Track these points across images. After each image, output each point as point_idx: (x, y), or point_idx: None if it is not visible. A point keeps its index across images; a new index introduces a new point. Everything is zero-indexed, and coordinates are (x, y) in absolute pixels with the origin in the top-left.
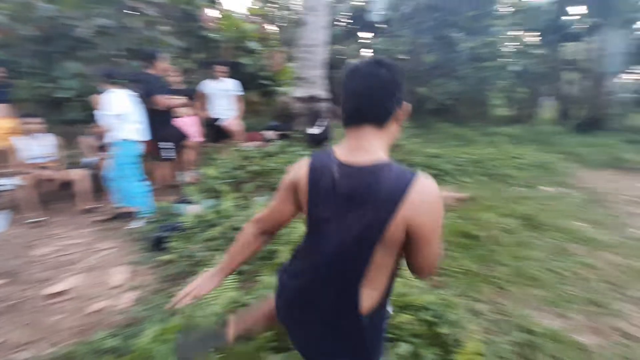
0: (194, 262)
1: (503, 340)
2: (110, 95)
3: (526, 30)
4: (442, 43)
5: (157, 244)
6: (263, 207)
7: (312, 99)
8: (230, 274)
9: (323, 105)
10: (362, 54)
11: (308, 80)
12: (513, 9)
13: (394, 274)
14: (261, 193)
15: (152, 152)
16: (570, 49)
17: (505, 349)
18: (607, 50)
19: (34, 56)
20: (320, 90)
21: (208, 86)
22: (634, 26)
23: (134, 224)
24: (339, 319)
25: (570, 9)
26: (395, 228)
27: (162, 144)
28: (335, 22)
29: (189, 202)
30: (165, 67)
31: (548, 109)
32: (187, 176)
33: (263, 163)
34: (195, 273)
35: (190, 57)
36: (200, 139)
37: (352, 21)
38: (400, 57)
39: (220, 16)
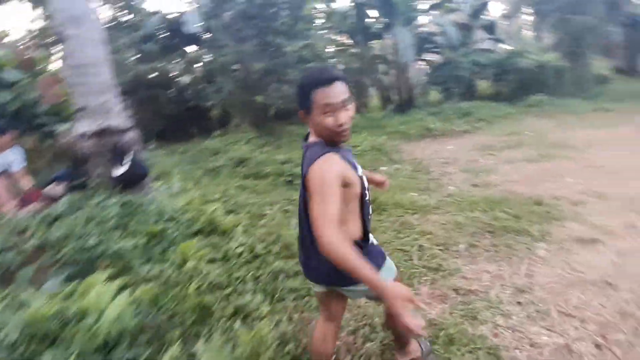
0: None
1: (368, 349)
2: None
3: (338, 32)
4: (267, 49)
5: None
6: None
7: (105, 132)
8: None
9: (125, 137)
10: (189, 68)
11: (93, 110)
12: (323, 14)
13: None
14: (50, 275)
15: None
16: (376, 46)
17: None
18: (400, 44)
19: None
20: (116, 120)
21: None
22: (415, 23)
23: None
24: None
25: (369, 12)
26: (306, 182)
27: None
28: (153, 38)
29: None
30: None
31: (374, 97)
32: None
33: (48, 232)
34: None
35: None
36: None
37: (169, 34)
38: (233, 67)
39: None
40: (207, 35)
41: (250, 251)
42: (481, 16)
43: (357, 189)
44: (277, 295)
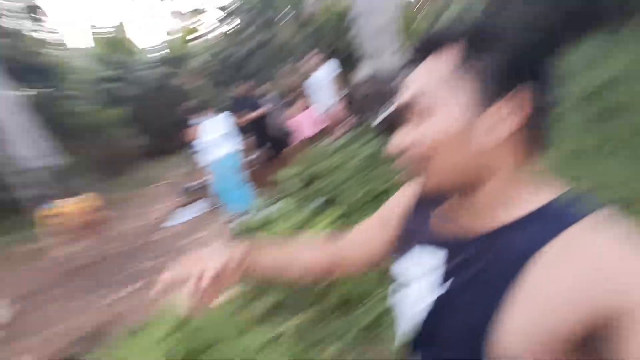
0: None
1: None
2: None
3: None
4: None
5: None
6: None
7: (374, 76)
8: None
9: (388, 85)
10: None
11: (370, 55)
12: None
13: None
14: (314, 198)
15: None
16: None
17: None
18: None
19: None
20: (385, 65)
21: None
22: None
23: None
24: None
25: None
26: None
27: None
28: None
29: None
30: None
31: None
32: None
33: (325, 161)
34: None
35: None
36: (310, 133)
37: None
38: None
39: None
40: None
41: None
42: None
43: None
44: None
